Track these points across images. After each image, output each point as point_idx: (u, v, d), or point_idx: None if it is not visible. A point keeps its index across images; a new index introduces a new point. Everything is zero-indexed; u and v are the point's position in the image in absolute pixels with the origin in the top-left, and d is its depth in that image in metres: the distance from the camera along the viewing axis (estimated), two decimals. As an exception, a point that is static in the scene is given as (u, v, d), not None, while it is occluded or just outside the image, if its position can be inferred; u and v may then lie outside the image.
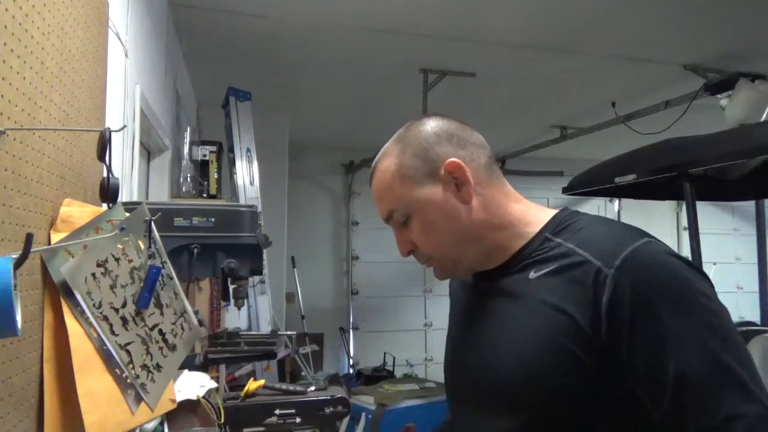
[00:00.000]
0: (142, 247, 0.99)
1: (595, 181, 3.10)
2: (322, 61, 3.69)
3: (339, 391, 1.59)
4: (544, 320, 0.78)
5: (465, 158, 0.87)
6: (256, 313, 3.60)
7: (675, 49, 3.44)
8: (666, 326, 0.70)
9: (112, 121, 1.52)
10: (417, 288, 6.33)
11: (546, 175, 6.14)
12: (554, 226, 0.86)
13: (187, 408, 1.28)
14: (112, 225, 0.93)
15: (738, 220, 7.00)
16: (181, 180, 3.05)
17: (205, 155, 3.31)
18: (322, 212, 6.27)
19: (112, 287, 0.90)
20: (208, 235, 1.26)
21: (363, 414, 3.67)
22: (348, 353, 6.09)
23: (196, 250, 1.24)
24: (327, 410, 1.54)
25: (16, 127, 0.75)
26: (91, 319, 0.85)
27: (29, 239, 0.67)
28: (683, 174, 2.54)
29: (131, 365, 0.91)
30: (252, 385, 1.58)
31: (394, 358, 5.61)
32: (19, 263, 0.67)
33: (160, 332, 1.01)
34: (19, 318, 0.64)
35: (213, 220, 1.26)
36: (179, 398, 1.17)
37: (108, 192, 1.04)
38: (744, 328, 2.96)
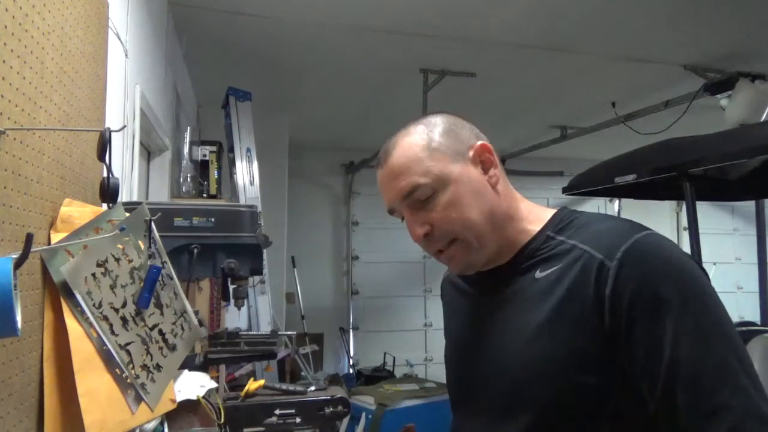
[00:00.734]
0: (142, 247, 0.99)
1: (595, 181, 3.10)
2: (322, 61, 3.69)
3: (339, 391, 1.59)
4: (556, 321, 0.78)
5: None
6: (256, 313, 3.60)
7: (675, 49, 3.44)
8: (664, 316, 0.71)
9: (112, 121, 1.52)
10: (417, 288, 6.33)
11: (546, 175, 6.14)
12: (555, 224, 0.87)
13: (187, 408, 1.28)
14: (112, 225, 0.93)
15: (738, 220, 7.00)
16: (181, 180, 3.05)
17: (205, 155, 3.31)
18: (322, 212, 6.27)
19: (112, 287, 0.90)
20: (208, 235, 1.26)
21: (363, 414, 3.67)
22: (348, 353, 6.09)
23: (196, 250, 1.23)
24: (327, 410, 1.53)
25: (16, 127, 0.75)
26: (91, 319, 0.85)
27: (29, 239, 0.67)
28: (683, 174, 2.54)
29: (131, 365, 0.91)
30: (252, 385, 1.57)
31: (394, 358, 5.61)
32: (19, 263, 0.67)
33: (160, 332, 1.01)
34: (19, 318, 0.64)
35: (213, 220, 1.26)
36: (179, 398, 1.17)
37: (108, 192, 1.04)
38: (744, 328, 2.96)
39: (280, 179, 4.83)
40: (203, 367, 1.43)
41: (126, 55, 1.76)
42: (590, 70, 3.81)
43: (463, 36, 3.26)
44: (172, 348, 1.04)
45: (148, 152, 2.71)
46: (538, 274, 0.83)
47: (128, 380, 0.90)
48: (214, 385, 1.38)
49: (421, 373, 5.71)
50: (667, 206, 6.94)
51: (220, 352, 1.43)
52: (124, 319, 0.91)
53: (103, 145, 0.96)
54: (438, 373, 5.63)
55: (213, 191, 3.28)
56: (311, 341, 5.07)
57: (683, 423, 0.69)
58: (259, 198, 3.49)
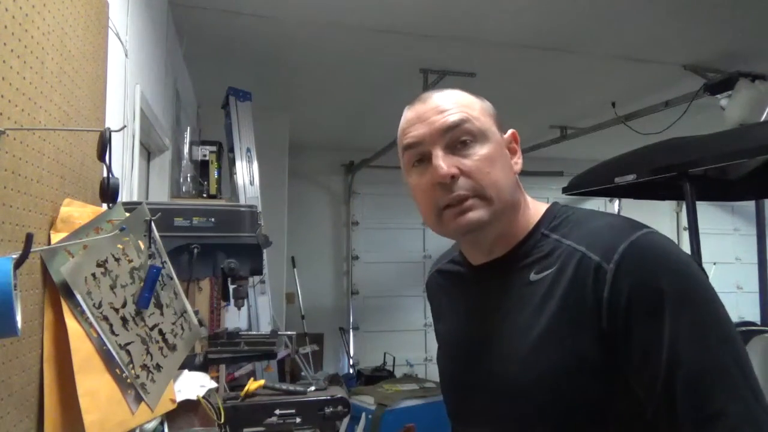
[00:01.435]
0: (142, 247, 0.99)
1: (595, 181, 3.10)
2: (322, 61, 3.69)
3: (339, 391, 1.59)
4: (557, 328, 0.76)
5: None
6: (256, 313, 3.60)
7: (675, 49, 3.44)
8: (663, 319, 0.69)
9: (112, 121, 1.52)
10: (417, 288, 6.33)
11: (546, 175, 6.14)
12: (549, 221, 0.85)
13: (187, 408, 1.28)
14: (112, 225, 0.93)
15: (738, 220, 7.01)
16: (181, 180, 3.05)
17: (205, 155, 3.31)
18: (322, 212, 6.27)
19: (112, 287, 0.90)
20: (208, 235, 1.26)
21: (363, 414, 3.67)
22: (348, 353, 6.09)
23: (196, 250, 1.24)
24: (327, 410, 1.53)
25: (16, 127, 0.75)
26: (91, 319, 0.85)
27: (29, 239, 0.67)
28: (683, 174, 2.54)
29: (131, 365, 0.91)
30: (252, 385, 1.57)
31: (394, 358, 5.61)
32: (19, 263, 0.67)
33: (160, 332, 1.01)
34: (19, 318, 0.64)
35: (213, 220, 1.26)
36: (179, 398, 1.17)
37: (108, 192, 1.04)
38: (744, 328, 2.96)
39: (280, 179, 4.83)
40: (203, 367, 1.43)
41: (126, 55, 1.76)
42: (590, 70, 3.81)
43: (463, 36, 3.26)
44: (172, 348, 1.04)
45: (148, 152, 2.71)
46: (533, 276, 0.81)
47: (128, 380, 0.90)
48: (214, 385, 1.38)
49: (421, 373, 5.70)
50: (667, 206, 6.94)
51: (220, 352, 1.43)
52: (124, 319, 0.91)
53: (103, 145, 0.96)
54: (438, 373, 5.61)
55: (213, 191, 3.28)
56: (311, 341, 5.07)
57: (680, 427, 0.68)
58: (259, 198, 3.49)
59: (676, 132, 3.11)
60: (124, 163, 1.79)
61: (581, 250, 0.77)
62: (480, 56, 3.56)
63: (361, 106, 4.77)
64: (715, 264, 5.47)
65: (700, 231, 2.61)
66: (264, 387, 1.59)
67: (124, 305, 0.92)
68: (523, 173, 0.90)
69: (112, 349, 0.87)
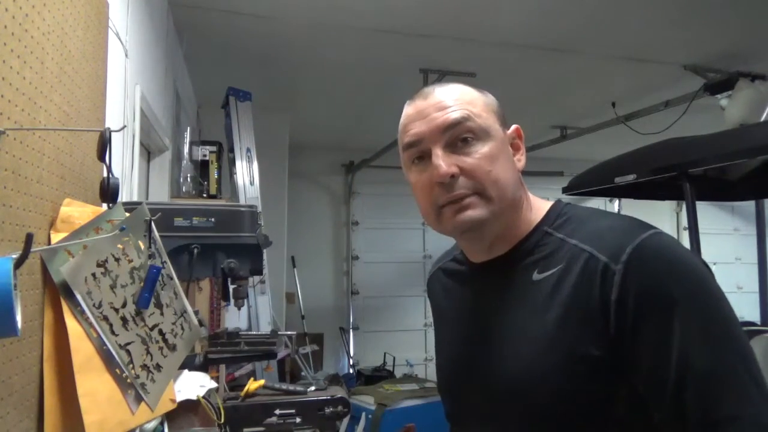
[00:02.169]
0: (142, 247, 0.99)
1: (595, 181, 3.10)
2: (322, 61, 3.69)
3: (339, 391, 1.59)
4: (563, 329, 0.75)
5: None
6: (256, 313, 3.60)
7: (675, 49, 3.44)
8: (672, 321, 0.69)
9: (112, 121, 1.52)
10: (417, 288, 6.33)
11: (546, 175, 6.13)
12: (552, 220, 0.84)
13: (187, 408, 1.28)
14: (112, 225, 0.93)
15: (738, 220, 7.00)
16: (181, 180, 3.05)
17: (205, 155, 3.31)
18: (322, 212, 6.27)
19: (112, 287, 0.90)
20: (208, 235, 1.26)
21: (363, 414, 3.67)
22: (348, 353, 6.09)
23: (196, 250, 1.23)
24: (327, 410, 1.53)
25: (16, 127, 0.75)
26: (91, 319, 0.85)
27: (29, 239, 0.67)
28: (683, 174, 2.54)
29: (131, 365, 0.91)
30: (252, 385, 1.57)
31: (394, 358, 5.61)
32: (19, 263, 0.67)
33: (160, 332, 1.01)
34: (19, 318, 0.64)
35: (213, 220, 1.26)
36: (179, 398, 1.17)
37: (108, 192, 1.04)
38: (744, 328, 2.96)
39: (280, 179, 4.83)
40: (203, 367, 1.43)
41: (126, 55, 1.76)
42: (590, 70, 3.81)
43: (463, 36, 3.26)
44: (172, 348, 1.04)
45: (148, 152, 2.71)
46: (537, 276, 0.80)
47: (128, 380, 0.90)
48: (214, 385, 1.38)
49: (421, 373, 5.70)
50: (667, 206, 6.94)
51: (220, 352, 1.43)
52: (124, 319, 0.91)
53: (103, 145, 0.96)
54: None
55: (213, 191, 3.28)
56: (311, 341, 5.07)
57: (690, 430, 0.68)
58: (259, 198, 3.49)
59: (676, 132, 3.11)
60: (124, 163, 1.79)
61: (588, 249, 0.76)
62: (480, 56, 3.56)
63: (361, 106, 4.77)
64: (715, 264, 5.47)
65: (700, 231, 2.61)
66: (264, 387, 1.59)
67: (124, 305, 0.92)
68: (523, 173, 0.89)
69: (112, 349, 0.87)
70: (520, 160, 0.87)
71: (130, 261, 0.95)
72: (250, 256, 1.31)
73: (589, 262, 0.75)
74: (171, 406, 1.07)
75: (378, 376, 5.13)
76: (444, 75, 3.75)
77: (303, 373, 4.56)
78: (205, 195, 3.23)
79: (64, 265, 0.82)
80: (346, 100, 4.65)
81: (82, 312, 0.84)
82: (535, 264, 0.82)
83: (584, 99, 4.45)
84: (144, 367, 0.94)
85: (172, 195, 2.92)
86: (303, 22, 3.06)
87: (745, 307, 5.62)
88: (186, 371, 1.35)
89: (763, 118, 3.07)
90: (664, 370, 0.69)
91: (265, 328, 3.51)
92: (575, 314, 0.74)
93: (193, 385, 1.31)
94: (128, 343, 0.91)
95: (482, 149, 0.80)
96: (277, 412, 1.50)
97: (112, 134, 0.97)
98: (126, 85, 1.77)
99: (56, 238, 0.87)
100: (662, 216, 6.88)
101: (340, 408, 1.55)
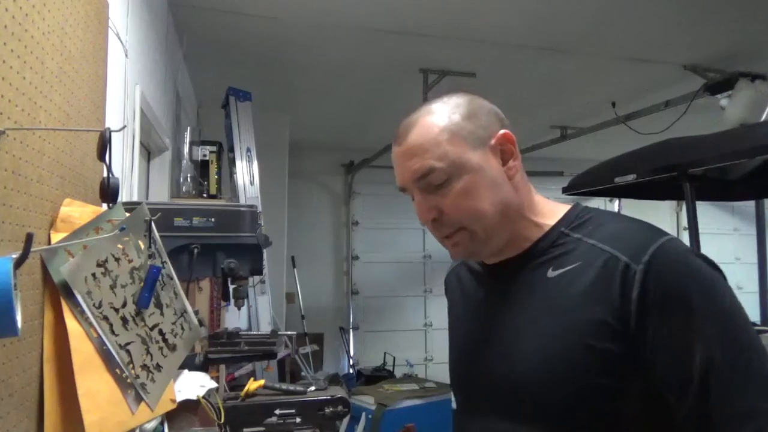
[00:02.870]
0: (142, 247, 0.99)
1: (595, 181, 3.10)
2: (322, 61, 3.69)
3: (339, 391, 1.59)
4: (570, 322, 0.76)
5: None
6: (256, 313, 3.60)
7: (675, 49, 3.44)
8: (692, 321, 0.71)
9: (112, 121, 1.52)
10: (417, 288, 6.33)
11: (546, 175, 6.13)
12: (570, 221, 0.85)
13: (187, 408, 1.28)
14: (112, 225, 0.93)
15: (738, 220, 7.00)
16: (181, 180, 3.05)
17: (205, 155, 3.31)
18: (322, 212, 6.28)
19: (112, 287, 0.90)
20: (208, 235, 1.26)
21: (363, 414, 3.67)
22: (348, 353, 6.09)
23: (196, 250, 1.24)
24: (327, 410, 1.53)
25: (16, 127, 0.75)
26: (91, 319, 0.85)
27: (29, 239, 0.67)
28: (683, 174, 2.54)
29: (131, 365, 0.91)
30: (252, 385, 1.57)
31: (394, 358, 5.61)
32: (19, 263, 0.67)
33: (160, 332, 1.01)
34: (19, 318, 0.64)
35: (213, 220, 1.26)
36: (179, 398, 1.17)
37: (108, 192, 1.04)
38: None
39: (280, 179, 4.83)
40: (203, 367, 1.43)
41: (126, 55, 1.76)
42: (590, 70, 3.81)
43: (463, 36, 3.26)
44: (172, 348, 1.04)
45: (148, 152, 2.71)
46: (551, 273, 0.81)
47: (128, 380, 0.90)
48: (214, 385, 1.38)
49: (421, 373, 5.70)
50: (667, 206, 6.94)
51: (220, 352, 1.43)
52: (124, 319, 0.91)
53: (103, 145, 0.96)
54: (438, 373, 5.63)
55: (213, 191, 3.28)
56: (311, 341, 5.07)
57: (713, 426, 0.69)
58: (259, 198, 3.49)
59: (676, 132, 3.11)
60: (124, 163, 1.79)
61: (608, 250, 0.77)
62: (480, 56, 3.56)
63: (361, 106, 4.77)
64: (715, 264, 5.45)
65: (700, 231, 2.61)
66: (264, 387, 1.59)
67: (124, 305, 0.92)
68: (523, 173, 0.88)
69: (112, 349, 0.87)
70: (513, 167, 0.85)
71: (130, 261, 0.95)
72: (250, 256, 1.31)
73: (609, 261, 0.76)
74: (171, 406, 1.07)
75: (378, 376, 5.12)
76: (444, 75, 3.75)
77: (303, 373, 4.56)
78: (205, 195, 3.23)
79: (64, 265, 0.82)
80: (346, 100, 4.65)
81: (82, 312, 0.84)
82: (549, 262, 0.82)
83: (584, 99, 4.45)
84: (144, 367, 0.94)
85: (172, 195, 2.92)
86: (303, 22, 3.06)
87: (745, 307, 5.62)
88: (186, 371, 1.36)
89: (763, 118, 3.06)
90: (689, 366, 0.70)
91: (265, 328, 3.51)
92: (591, 310, 0.75)
93: (193, 385, 1.31)
94: (128, 343, 0.91)
95: (456, 187, 0.81)
96: (277, 412, 1.50)
97: (112, 134, 0.97)
98: (126, 85, 1.77)
99: (56, 238, 0.87)
100: (662, 216, 6.88)
101: (340, 408, 1.55)
